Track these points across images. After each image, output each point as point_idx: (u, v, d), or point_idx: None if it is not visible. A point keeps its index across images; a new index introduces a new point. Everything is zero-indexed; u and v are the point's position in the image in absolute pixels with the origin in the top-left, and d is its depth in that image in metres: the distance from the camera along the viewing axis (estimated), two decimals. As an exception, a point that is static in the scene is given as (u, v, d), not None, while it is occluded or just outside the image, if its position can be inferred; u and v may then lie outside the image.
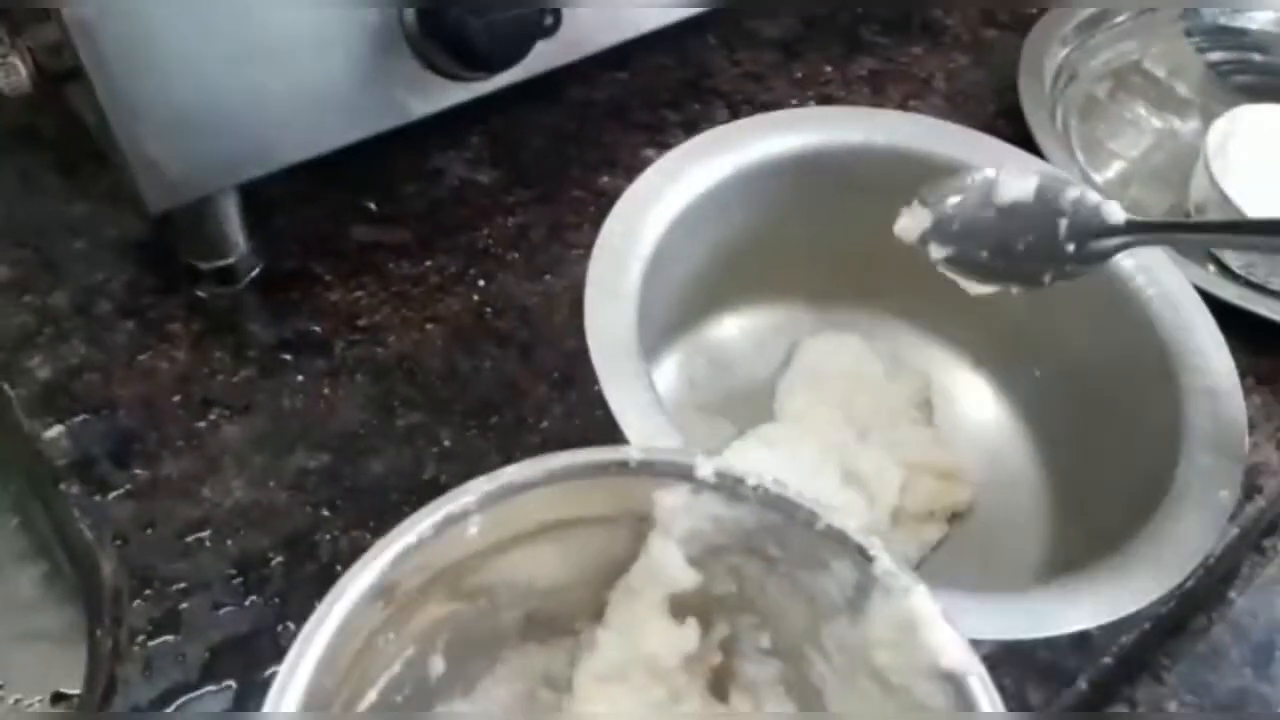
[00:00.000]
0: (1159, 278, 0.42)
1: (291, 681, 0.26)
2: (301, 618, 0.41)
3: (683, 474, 0.30)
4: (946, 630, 0.27)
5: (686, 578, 0.31)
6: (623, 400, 0.36)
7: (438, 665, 0.32)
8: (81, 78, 0.41)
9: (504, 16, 0.46)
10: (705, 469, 0.29)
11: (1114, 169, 0.64)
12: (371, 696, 0.30)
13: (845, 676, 0.30)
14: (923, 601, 0.28)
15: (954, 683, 0.27)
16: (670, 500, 0.30)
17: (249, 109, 0.45)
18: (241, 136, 0.45)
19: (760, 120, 0.47)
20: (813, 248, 0.48)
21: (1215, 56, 0.70)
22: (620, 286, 0.39)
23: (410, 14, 0.46)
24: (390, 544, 0.28)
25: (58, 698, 0.50)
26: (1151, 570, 0.34)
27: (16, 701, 0.49)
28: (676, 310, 0.47)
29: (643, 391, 0.36)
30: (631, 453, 0.30)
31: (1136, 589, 0.34)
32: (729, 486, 0.30)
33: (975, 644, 0.28)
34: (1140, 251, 0.42)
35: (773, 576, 0.31)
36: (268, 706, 0.25)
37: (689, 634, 0.32)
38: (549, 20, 0.47)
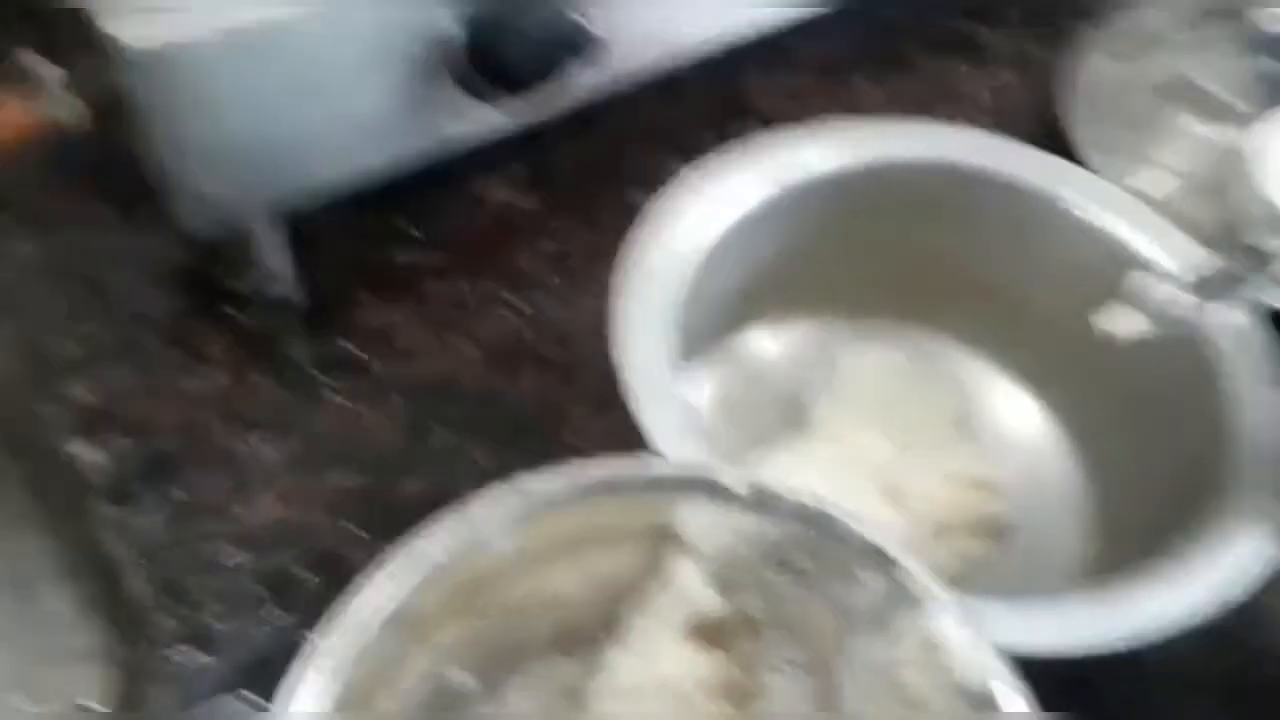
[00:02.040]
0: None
1: (307, 694, 0.25)
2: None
3: (708, 486, 0.29)
4: (974, 648, 0.26)
5: (708, 602, 0.31)
6: (656, 421, 0.35)
7: (461, 677, 0.31)
8: (134, 112, 0.42)
9: (535, 35, 0.46)
10: (731, 480, 0.29)
11: (1165, 183, 0.62)
12: (393, 707, 0.29)
13: (871, 693, 0.29)
14: (949, 618, 0.26)
15: (984, 700, 0.26)
16: (694, 515, 0.29)
17: (293, 140, 0.45)
18: (286, 167, 0.46)
19: (801, 134, 0.46)
20: (853, 263, 0.48)
21: (1267, 66, 0.68)
22: (653, 302, 0.39)
23: (449, 39, 0.46)
24: (413, 554, 0.27)
25: (79, 710, 0.50)
26: (1201, 585, 0.33)
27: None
28: (713, 323, 0.46)
29: (677, 410, 0.36)
30: (658, 465, 0.29)
31: (1185, 604, 0.32)
32: (756, 499, 0.29)
33: (1016, 656, 0.26)
34: (1179, 254, 0.41)
35: (802, 589, 0.30)
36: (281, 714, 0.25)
37: (705, 660, 0.31)
38: (581, 38, 0.47)
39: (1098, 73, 0.62)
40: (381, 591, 0.27)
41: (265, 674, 0.40)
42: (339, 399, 0.49)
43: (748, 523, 0.29)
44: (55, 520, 0.55)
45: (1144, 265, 0.42)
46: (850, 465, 0.43)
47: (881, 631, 0.28)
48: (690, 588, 0.30)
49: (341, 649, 0.26)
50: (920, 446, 0.43)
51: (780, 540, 0.29)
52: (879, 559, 0.28)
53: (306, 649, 0.26)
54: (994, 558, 0.42)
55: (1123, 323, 0.35)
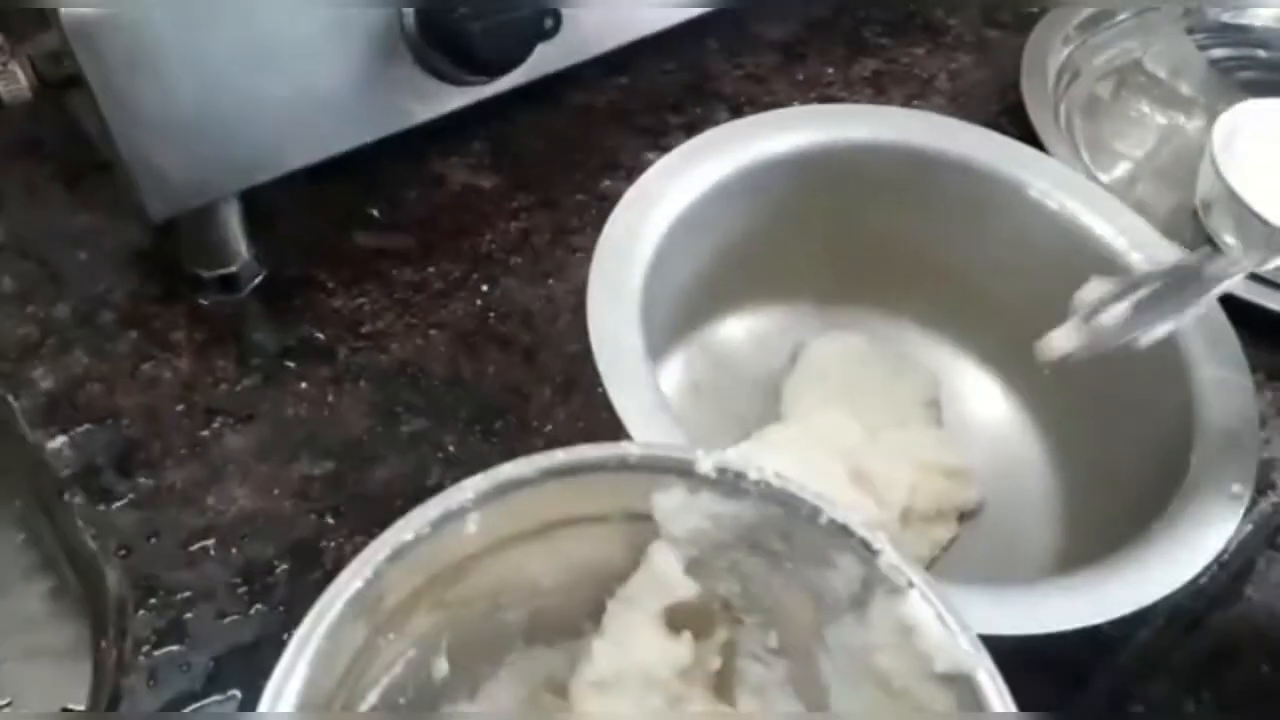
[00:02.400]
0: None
1: (287, 684, 0.25)
2: (307, 626, 0.41)
3: (682, 470, 0.29)
4: (945, 631, 0.26)
5: (685, 589, 0.31)
6: (628, 403, 0.35)
7: (441, 667, 0.31)
8: (82, 85, 0.41)
9: (504, 19, 0.46)
10: (704, 464, 0.29)
11: (1120, 168, 0.64)
12: (372, 698, 0.29)
13: (849, 677, 0.29)
14: (925, 602, 0.27)
15: (959, 684, 0.26)
16: (668, 501, 0.29)
17: (251, 115, 0.44)
18: (243, 143, 0.45)
19: (763, 119, 0.46)
20: (817, 247, 0.48)
21: (1218, 53, 0.69)
22: (623, 288, 0.39)
23: (410, 18, 0.46)
24: (386, 542, 0.27)
25: (65, 713, 0.50)
26: (1164, 565, 0.34)
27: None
28: (680, 312, 0.46)
29: (648, 393, 0.36)
30: (629, 449, 0.29)
31: (1149, 584, 0.34)
32: (729, 482, 0.29)
33: (987, 639, 0.27)
34: (1147, 246, 0.42)
35: (778, 574, 0.30)
36: (262, 707, 0.25)
37: (683, 648, 0.31)
38: (549, 23, 0.47)
39: (1054, 58, 0.63)
40: (351, 573, 0.27)
41: (242, 665, 0.40)
42: (305, 385, 0.48)
43: (719, 505, 0.29)
44: (25, 512, 0.54)
45: (1102, 250, 0.43)
46: (819, 450, 0.43)
47: (858, 616, 0.28)
48: (667, 574, 0.30)
49: (316, 636, 0.26)
50: (888, 432, 0.44)
51: (752, 523, 0.29)
52: (852, 542, 0.28)
53: (288, 645, 0.26)
54: (962, 543, 0.43)
55: (1064, 343, 0.36)
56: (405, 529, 0.28)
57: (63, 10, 0.39)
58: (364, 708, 0.29)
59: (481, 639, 0.32)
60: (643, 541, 0.31)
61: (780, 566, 0.30)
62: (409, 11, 0.46)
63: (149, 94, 0.42)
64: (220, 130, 0.44)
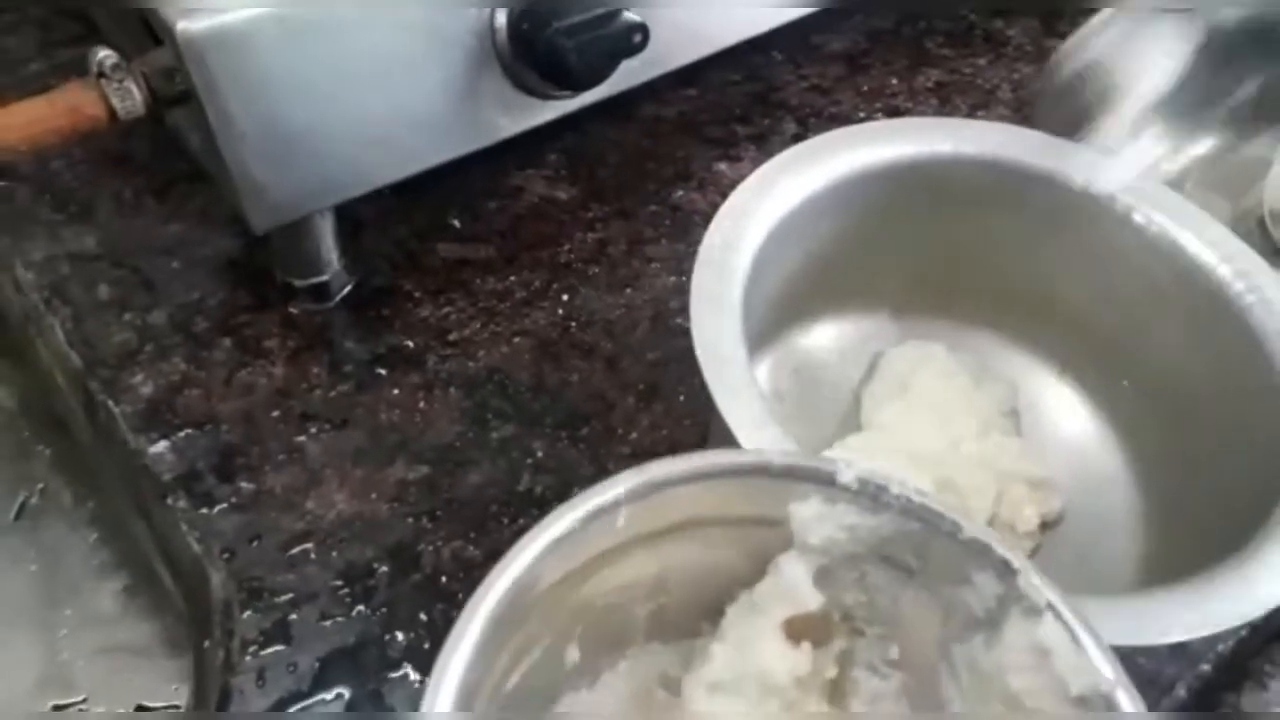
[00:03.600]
0: (1258, 283, 0.41)
1: (444, 679, 0.25)
2: (408, 627, 0.42)
3: (823, 480, 0.29)
4: (1083, 652, 0.27)
5: (812, 600, 0.31)
6: (738, 414, 0.36)
7: (573, 655, 0.32)
8: (192, 101, 0.41)
9: (594, 35, 0.46)
10: (847, 475, 0.29)
11: (1174, 173, 0.63)
12: (514, 679, 0.30)
13: (974, 694, 0.30)
14: (1058, 623, 0.27)
15: (1095, 704, 0.26)
16: (805, 510, 0.30)
17: (350, 131, 0.45)
18: (342, 158, 0.46)
19: (847, 133, 0.47)
20: (899, 258, 0.48)
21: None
22: (724, 299, 0.39)
23: (503, 34, 0.47)
24: (543, 532, 0.28)
25: (140, 710, 0.51)
26: (1270, 577, 0.34)
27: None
28: (766, 321, 0.46)
29: (756, 403, 0.36)
30: (773, 457, 0.30)
31: (1253, 597, 0.33)
32: (869, 494, 0.29)
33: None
34: (1237, 257, 0.42)
35: (908, 588, 0.31)
36: (425, 705, 0.25)
37: (803, 658, 0.32)
38: (638, 38, 0.47)
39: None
40: (507, 562, 0.27)
41: (347, 665, 0.41)
42: (397, 391, 0.49)
43: (856, 517, 0.30)
44: (98, 512, 0.55)
45: (1188, 258, 0.43)
46: (903, 459, 0.43)
47: (990, 634, 0.28)
48: (795, 585, 0.30)
49: (477, 623, 0.26)
50: (971, 443, 0.44)
51: (888, 536, 0.30)
52: (992, 560, 0.28)
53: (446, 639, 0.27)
54: (1044, 553, 0.44)
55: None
56: (560, 521, 0.28)
57: (177, 28, 0.40)
58: (508, 688, 0.29)
59: (609, 631, 0.33)
60: (768, 548, 0.31)
61: (911, 581, 0.30)
62: (501, 27, 0.46)
63: (256, 110, 0.42)
64: (322, 146, 0.45)
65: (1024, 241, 0.46)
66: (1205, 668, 0.43)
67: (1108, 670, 0.26)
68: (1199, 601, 0.34)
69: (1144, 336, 0.45)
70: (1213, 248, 0.42)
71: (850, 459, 0.30)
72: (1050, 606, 0.27)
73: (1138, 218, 0.44)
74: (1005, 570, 0.28)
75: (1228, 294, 0.42)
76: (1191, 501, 0.42)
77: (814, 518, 0.30)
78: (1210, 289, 0.42)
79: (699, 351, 0.38)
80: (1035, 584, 0.27)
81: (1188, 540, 0.40)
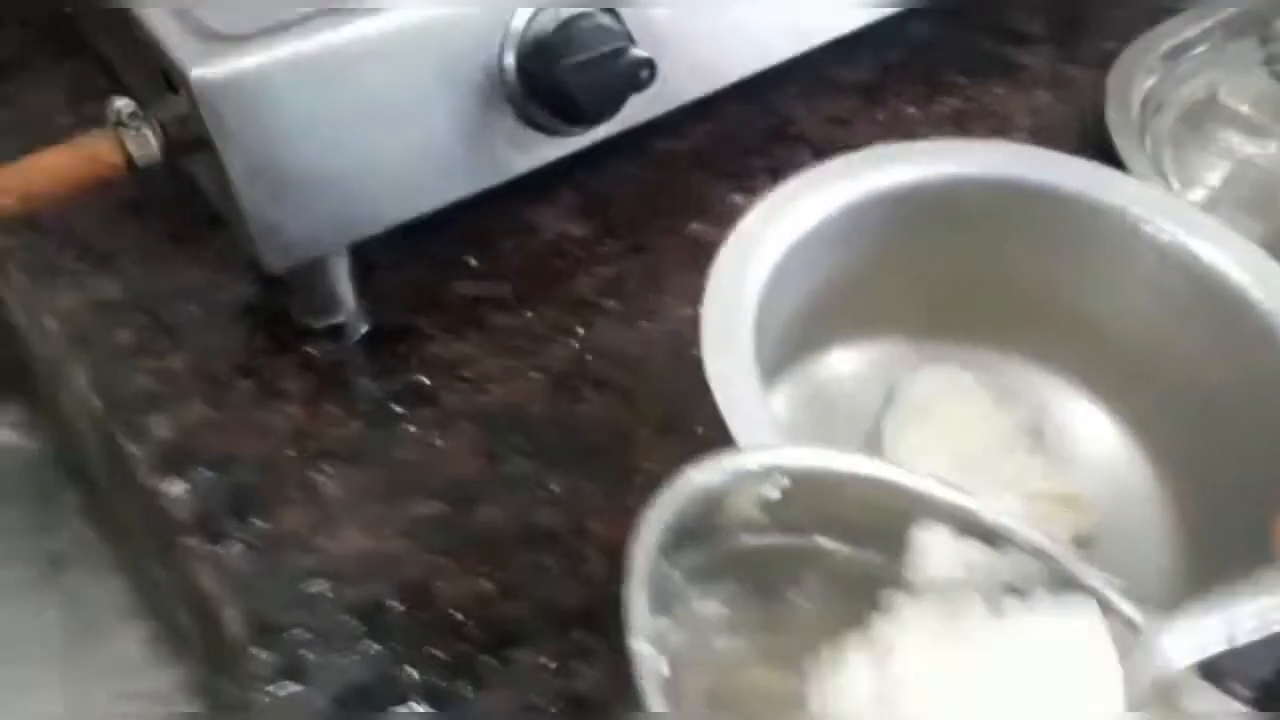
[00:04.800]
0: (1276, 289, 0.41)
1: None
2: (421, 664, 0.42)
3: (954, 511, 0.29)
4: (1206, 695, 0.26)
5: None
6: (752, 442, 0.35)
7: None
8: (206, 146, 0.42)
9: (602, 72, 0.47)
10: (985, 512, 0.29)
11: (1202, 197, 0.63)
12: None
13: None
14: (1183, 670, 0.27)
15: None
16: (930, 539, 0.29)
17: (364, 171, 0.46)
18: (356, 198, 0.47)
19: (853, 159, 0.47)
20: (913, 282, 0.48)
21: (1296, 83, 0.69)
22: (735, 334, 0.39)
23: (512, 74, 0.47)
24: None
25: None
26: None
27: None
28: (779, 352, 0.46)
29: (771, 435, 0.36)
30: (917, 480, 0.29)
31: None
32: (995, 532, 0.29)
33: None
34: (1251, 264, 0.42)
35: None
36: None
37: None
38: (645, 74, 0.48)
39: (1137, 90, 0.63)
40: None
41: (360, 703, 0.41)
42: (413, 429, 0.49)
43: (976, 554, 0.29)
44: (124, 559, 0.56)
45: (1203, 267, 0.43)
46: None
47: None
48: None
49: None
50: (998, 467, 0.43)
51: (1006, 579, 0.29)
52: (1112, 609, 0.27)
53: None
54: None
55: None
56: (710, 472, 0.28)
57: (191, 75, 0.41)
58: None
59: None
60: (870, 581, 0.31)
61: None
62: (510, 66, 0.47)
63: (269, 154, 0.43)
64: (335, 187, 0.46)
65: (1038, 259, 0.46)
66: (1246, 693, 0.41)
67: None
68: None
69: (1166, 349, 0.44)
70: (1229, 255, 0.42)
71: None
72: (1166, 659, 0.26)
73: (1148, 229, 0.44)
74: (1122, 617, 0.27)
75: (1248, 300, 0.41)
76: (1223, 513, 0.41)
77: (937, 549, 0.29)
78: (1229, 297, 0.42)
79: (712, 384, 0.38)
80: (1156, 636, 0.27)
81: (1221, 552, 0.40)
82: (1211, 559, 0.40)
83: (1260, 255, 0.42)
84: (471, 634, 0.43)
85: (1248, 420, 0.41)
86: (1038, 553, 0.29)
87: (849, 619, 0.31)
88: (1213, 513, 0.42)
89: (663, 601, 0.28)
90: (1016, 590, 0.30)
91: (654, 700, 0.24)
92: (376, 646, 0.42)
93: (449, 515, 0.46)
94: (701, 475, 0.28)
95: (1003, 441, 0.45)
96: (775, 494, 0.29)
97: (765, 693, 0.32)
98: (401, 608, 0.43)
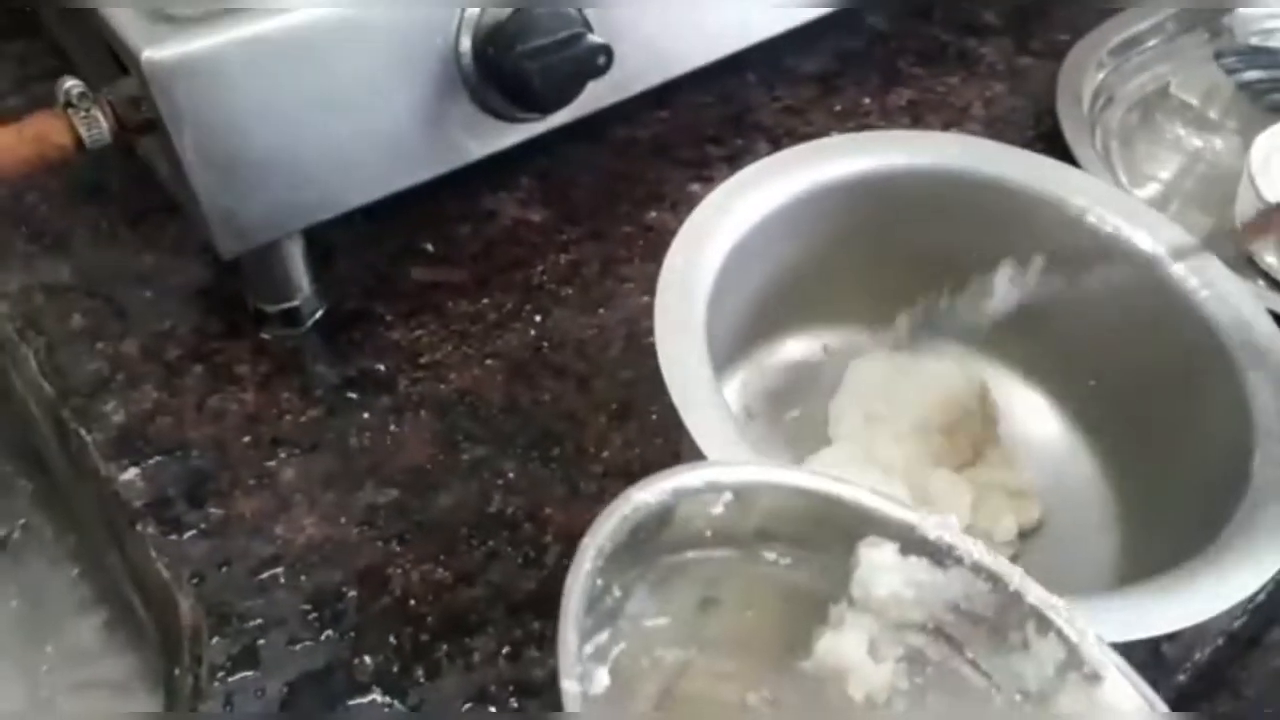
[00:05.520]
0: (1211, 278, 0.42)
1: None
2: (376, 651, 0.42)
3: (901, 531, 0.29)
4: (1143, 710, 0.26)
5: (865, 672, 0.30)
6: (709, 440, 0.36)
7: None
8: (159, 128, 0.42)
9: (558, 58, 0.47)
10: (931, 529, 0.29)
11: (1150, 190, 0.64)
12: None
13: None
14: (1124, 688, 0.27)
15: None
16: (878, 555, 0.29)
17: (318, 155, 0.46)
18: (310, 182, 0.46)
19: (806, 149, 0.47)
20: (864, 271, 0.49)
21: (1248, 77, 0.70)
22: (688, 322, 0.40)
23: (468, 59, 0.47)
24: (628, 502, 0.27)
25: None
26: (1222, 580, 0.34)
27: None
28: (733, 339, 0.47)
29: (724, 421, 0.36)
30: (863, 496, 0.29)
31: (1206, 599, 0.34)
32: (941, 550, 0.29)
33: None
34: (1190, 255, 0.43)
35: (950, 668, 0.30)
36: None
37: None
38: (602, 60, 0.48)
39: (1088, 84, 0.64)
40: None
41: (316, 690, 0.41)
42: (367, 415, 0.49)
43: (923, 574, 0.29)
44: (80, 547, 0.55)
45: (1143, 257, 0.44)
46: (877, 472, 0.43)
47: (1044, 699, 0.28)
48: (848, 655, 0.30)
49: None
50: (946, 454, 0.44)
51: (953, 599, 0.29)
52: (1050, 624, 0.28)
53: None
54: (1022, 561, 0.43)
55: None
56: (651, 492, 0.28)
57: (143, 56, 0.40)
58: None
59: None
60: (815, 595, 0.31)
61: (959, 655, 0.30)
62: (466, 51, 0.47)
63: (222, 136, 0.43)
64: (289, 170, 0.45)
65: (983, 249, 0.47)
66: (1181, 678, 0.43)
67: None
68: (1178, 595, 0.34)
69: (1106, 336, 0.45)
70: (1166, 245, 0.43)
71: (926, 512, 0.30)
72: (1112, 673, 0.27)
73: (1091, 219, 0.44)
74: (1069, 638, 0.28)
75: (1183, 288, 0.42)
76: (1163, 498, 0.42)
77: (885, 567, 0.29)
78: (1165, 285, 0.43)
79: (665, 372, 0.38)
80: (1098, 647, 0.27)
81: (1162, 537, 0.41)
82: (1153, 544, 0.41)
83: (1194, 244, 0.43)
84: (427, 622, 0.43)
85: (1183, 405, 0.42)
86: (982, 571, 0.29)
87: (795, 633, 0.32)
88: (1153, 498, 0.43)
89: (606, 617, 0.29)
90: (959, 610, 0.30)
91: None
92: (332, 634, 0.42)
93: (405, 503, 0.46)
94: (642, 495, 0.28)
95: (952, 428, 0.45)
96: (719, 509, 0.29)
97: (711, 702, 0.33)
98: (358, 596, 0.43)
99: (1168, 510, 0.42)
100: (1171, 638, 0.38)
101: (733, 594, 0.32)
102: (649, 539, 0.28)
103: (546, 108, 0.50)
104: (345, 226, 0.51)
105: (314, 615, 0.43)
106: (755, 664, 0.32)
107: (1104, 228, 0.44)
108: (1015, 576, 0.29)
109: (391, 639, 0.42)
